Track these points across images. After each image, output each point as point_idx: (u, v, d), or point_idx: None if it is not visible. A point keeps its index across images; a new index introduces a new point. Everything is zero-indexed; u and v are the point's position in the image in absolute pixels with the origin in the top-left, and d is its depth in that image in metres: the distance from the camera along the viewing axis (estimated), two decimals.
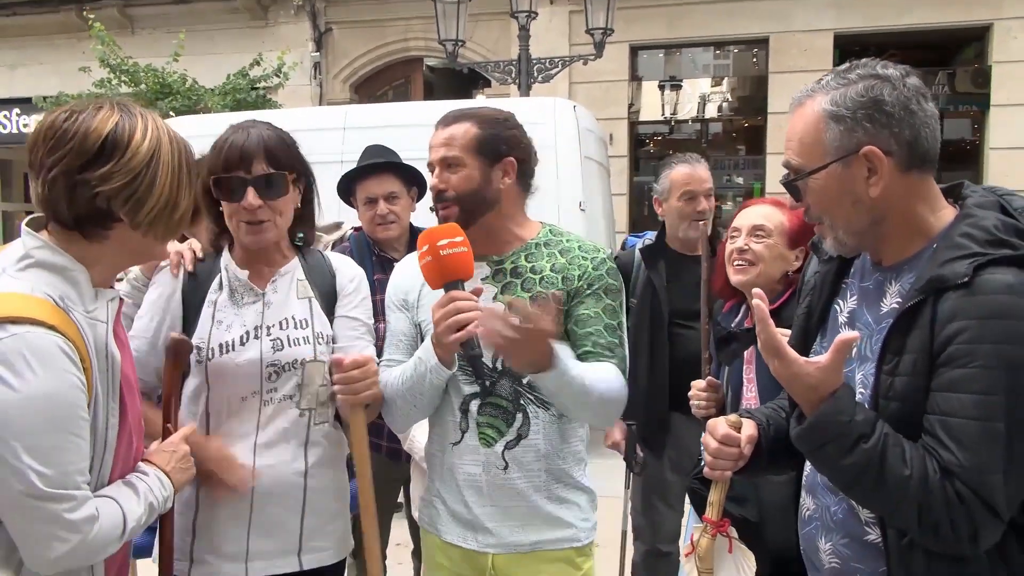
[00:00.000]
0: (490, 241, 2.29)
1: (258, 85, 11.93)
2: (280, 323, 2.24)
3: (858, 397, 1.63)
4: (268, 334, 2.22)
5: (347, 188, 3.56)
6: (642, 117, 13.61)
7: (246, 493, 2.16)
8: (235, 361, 2.17)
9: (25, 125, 15.38)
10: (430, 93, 13.55)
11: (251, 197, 2.13)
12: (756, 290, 1.70)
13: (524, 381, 2.23)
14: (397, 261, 3.42)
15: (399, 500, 3.82)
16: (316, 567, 2.26)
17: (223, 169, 2.16)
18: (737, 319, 2.85)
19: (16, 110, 15.28)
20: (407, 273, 2.42)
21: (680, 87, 13.52)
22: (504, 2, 9.82)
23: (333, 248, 3.59)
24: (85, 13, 12.53)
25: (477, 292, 2.11)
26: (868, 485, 1.53)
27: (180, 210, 1.71)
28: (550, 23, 12.35)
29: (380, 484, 3.52)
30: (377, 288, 3.35)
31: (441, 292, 2.09)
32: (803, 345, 1.81)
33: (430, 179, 2.31)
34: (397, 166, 3.51)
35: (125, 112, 1.65)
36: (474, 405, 2.27)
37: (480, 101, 10.63)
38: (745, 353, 2.72)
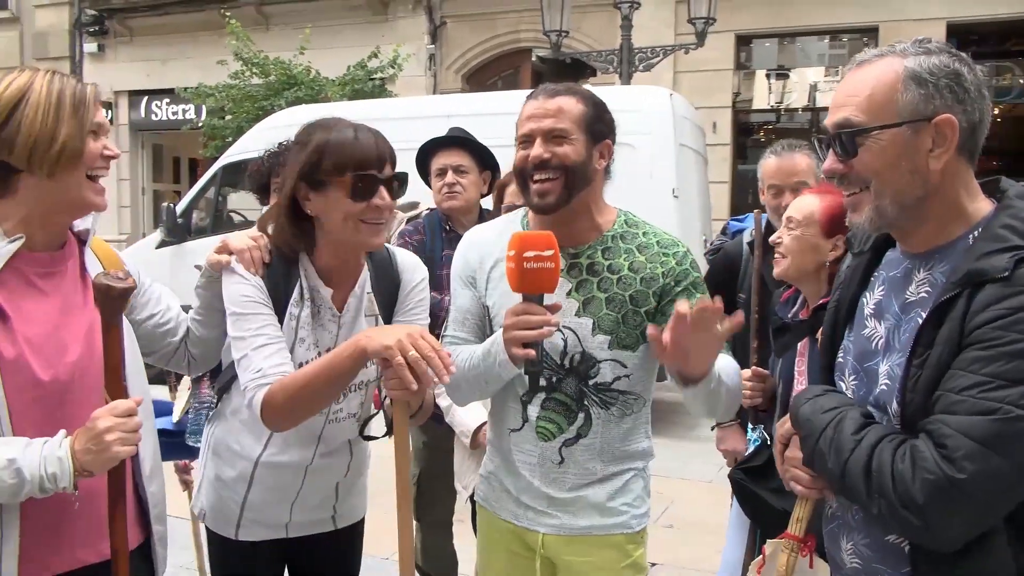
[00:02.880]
0: (571, 229, 2.13)
1: (375, 76, 12.02)
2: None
3: (881, 389, 1.54)
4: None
5: (424, 164, 3.53)
6: (748, 106, 13.09)
7: (295, 488, 2.17)
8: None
9: (173, 113, 16.00)
10: (539, 82, 13.19)
11: (384, 196, 1.99)
12: None
13: (591, 382, 2.11)
14: None
15: None
16: (345, 526, 2.30)
17: (356, 167, 1.96)
18: (793, 310, 2.66)
19: (166, 100, 16.01)
20: (476, 245, 2.26)
21: (787, 76, 12.93)
22: None
23: (408, 223, 3.60)
24: (224, 12, 12.90)
25: (555, 308, 1.94)
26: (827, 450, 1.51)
27: (58, 143, 1.68)
28: (656, 12, 12.01)
29: (448, 456, 3.46)
30: (444, 262, 3.36)
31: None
32: (831, 339, 1.74)
33: (515, 154, 2.14)
34: (471, 144, 3.49)
35: (3, 76, 1.70)
36: (537, 399, 2.16)
37: None
38: (798, 345, 2.54)
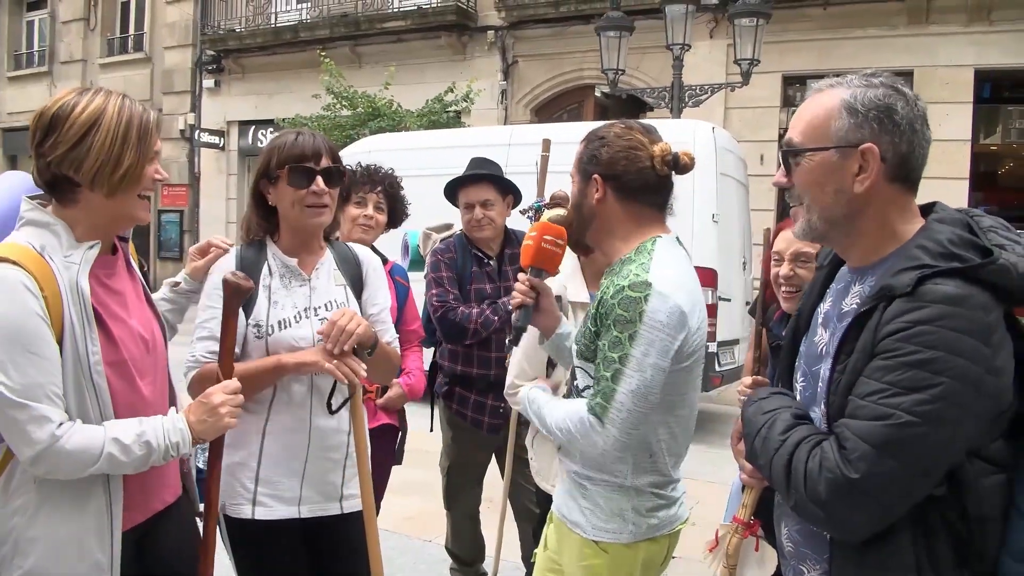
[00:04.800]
0: (602, 258, 2.17)
1: (449, 109, 12.26)
2: (325, 305, 2.25)
3: (818, 391, 1.56)
4: (316, 314, 2.23)
5: (452, 193, 3.60)
6: None
7: (303, 450, 2.20)
8: (293, 336, 2.18)
9: None
10: (603, 115, 13.42)
11: (319, 184, 2.18)
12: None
13: (574, 382, 2.14)
14: (491, 258, 3.48)
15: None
16: (351, 512, 2.28)
17: (295, 160, 2.17)
18: (784, 329, 2.59)
19: (270, 129, 16.45)
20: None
21: None
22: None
23: (441, 242, 3.69)
24: (320, 52, 13.35)
25: (545, 292, 2.18)
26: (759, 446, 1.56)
27: (122, 168, 1.73)
28: (709, 54, 12.01)
29: (476, 452, 3.58)
30: (473, 279, 3.48)
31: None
32: (792, 346, 1.74)
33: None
34: (494, 177, 3.54)
35: (81, 93, 1.73)
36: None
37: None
38: None
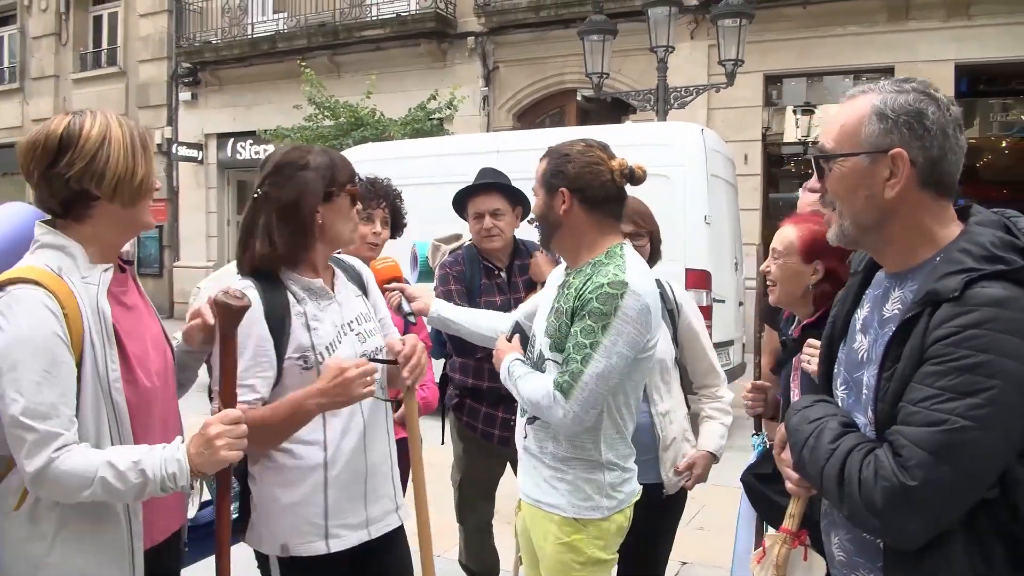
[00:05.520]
0: (568, 258, 2.38)
1: (433, 116, 12.16)
2: (355, 319, 2.17)
3: (863, 398, 1.56)
4: (352, 330, 2.14)
5: (461, 203, 3.52)
6: (778, 139, 12.95)
7: (363, 472, 2.14)
8: (341, 356, 2.06)
9: (255, 153, 16.39)
10: (585, 119, 13.41)
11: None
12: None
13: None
14: (500, 269, 3.43)
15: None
16: (403, 522, 2.28)
17: (352, 178, 2.16)
18: (791, 328, 2.65)
19: (250, 141, 16.38)
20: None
21: (812, 112, 12.77)
22: (648, 39, 9.55)
23: (449, 255, 3.62)
24: (300, 62, 13.20)
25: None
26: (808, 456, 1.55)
27: (139, 176, 1.79)
28: (691, 55, 12.00)
29: (488, 465, 3.54)
30: (482, 292, 3.42)
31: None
32: (829, 353, 1.74)
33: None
34: (504, 187, 3.45)
35: (76, 115, 1.77)
36: None
37: (627, 126, 10.40)
38: (793, 360, 2.52)
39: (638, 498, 2.39)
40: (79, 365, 1.66)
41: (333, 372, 1.91)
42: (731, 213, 8.24)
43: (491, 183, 3.45)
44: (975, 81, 11.64)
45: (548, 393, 2.17)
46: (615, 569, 2.49)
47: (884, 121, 1.48)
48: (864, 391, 1.55)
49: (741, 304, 8.39)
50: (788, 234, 2.50)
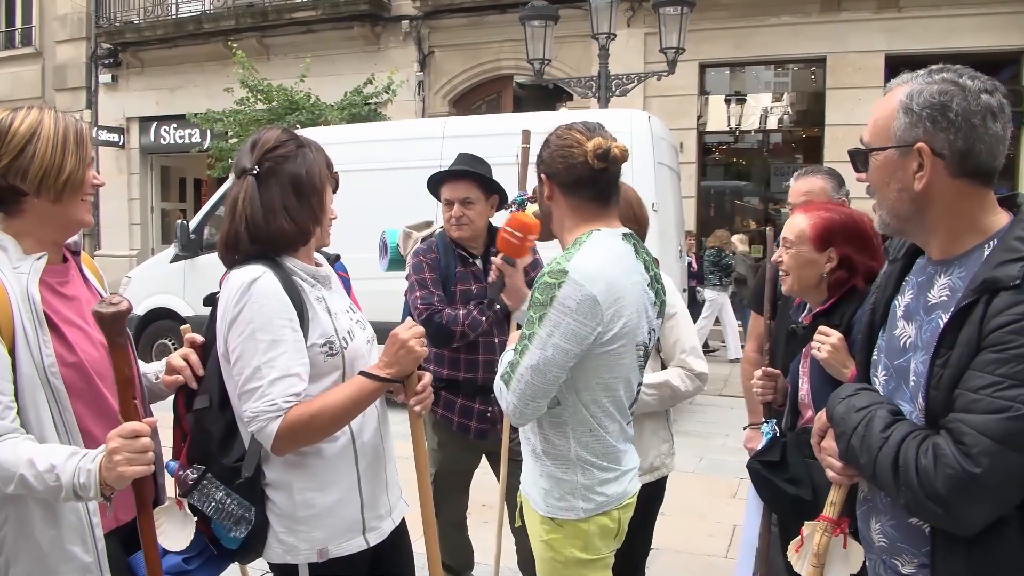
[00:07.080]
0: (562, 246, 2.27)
1: (370, 101, 11.83)
2: (349, 307, 2.10)
3: (911, 384, 1.55)
4: (354, 315, 2.08)
5: (435, 188, 3.39)
6: (709, 128, 13.12)
7: (382, 460, 2.08)
8: (360, 343, 2.01)
9: (180, 137, 15.73)
10: (519, 106, 13.29)
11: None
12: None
13: None
14: (475, 257, 3.32)
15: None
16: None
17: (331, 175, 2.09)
18: (801, 316, 2.60)
19: (174, 125, 15.72)
20: None
21: (744, 101, 12.95)
22: (586, 25, 9.53)
23: (421, 242, 3.47)
24: (229, 43, 12.68)
25: (509, 273, 2.37)
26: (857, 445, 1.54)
27: (66, 171, 1.78)
28: (627, 43, 11.97)
29: (463, 458, 3.45)
30: (458, 279, 3.31)
31: None
32: (868, 339, 1.73)
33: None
34: (477, 175, 3.29)
35: (14, 111, 1.78)
36: None
37: (563, 113, 10.26)
38: (803, 348, 2.48)
39: (631, 500, 2.25)
40: (12, 352, 1.66)
41: (396, 344, 1.90)
42: (676, 201, 8.25)
43: (463, 171, 3.29)
44: (897, 72, 11.94)
45: (496, 382, 2.13)
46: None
47: (909, 115, 1.50)
48: (912, 378, 1.54)
49: (685, 291, 8.41)
50: (799, 222, 2.45)
